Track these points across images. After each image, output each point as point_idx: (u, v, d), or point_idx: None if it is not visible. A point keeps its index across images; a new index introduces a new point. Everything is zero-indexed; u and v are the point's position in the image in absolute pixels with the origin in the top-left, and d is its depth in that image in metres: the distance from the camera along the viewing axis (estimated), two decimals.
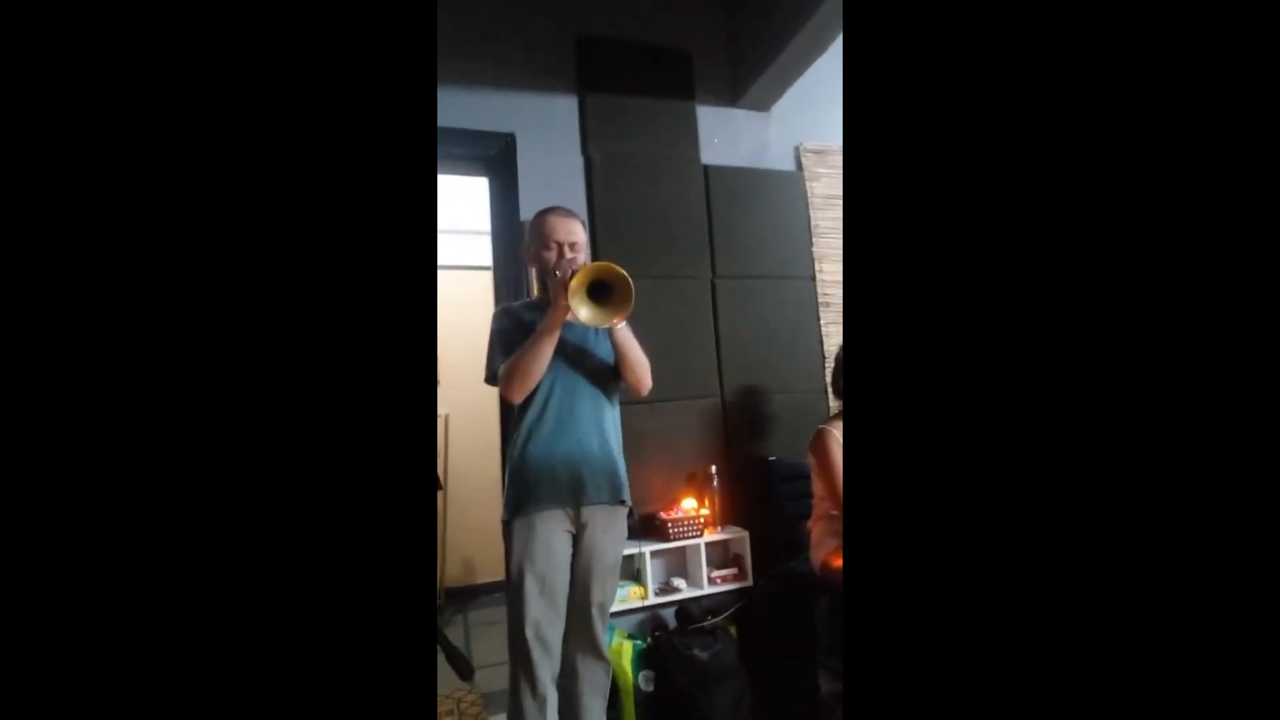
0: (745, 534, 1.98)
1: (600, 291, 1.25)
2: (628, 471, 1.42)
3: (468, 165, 2.06)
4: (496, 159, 2.05)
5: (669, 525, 1.89)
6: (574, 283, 1.21)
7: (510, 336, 1.35)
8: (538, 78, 2.06)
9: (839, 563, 1.63)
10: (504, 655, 1.33)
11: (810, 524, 1.76)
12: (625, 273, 1.23)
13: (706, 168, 2.21)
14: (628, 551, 1.75)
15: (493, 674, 2.02)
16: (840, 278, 2.36)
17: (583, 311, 1.22)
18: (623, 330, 1.33)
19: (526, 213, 1.82)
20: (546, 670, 1.28)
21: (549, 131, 2.05)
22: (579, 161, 2.08)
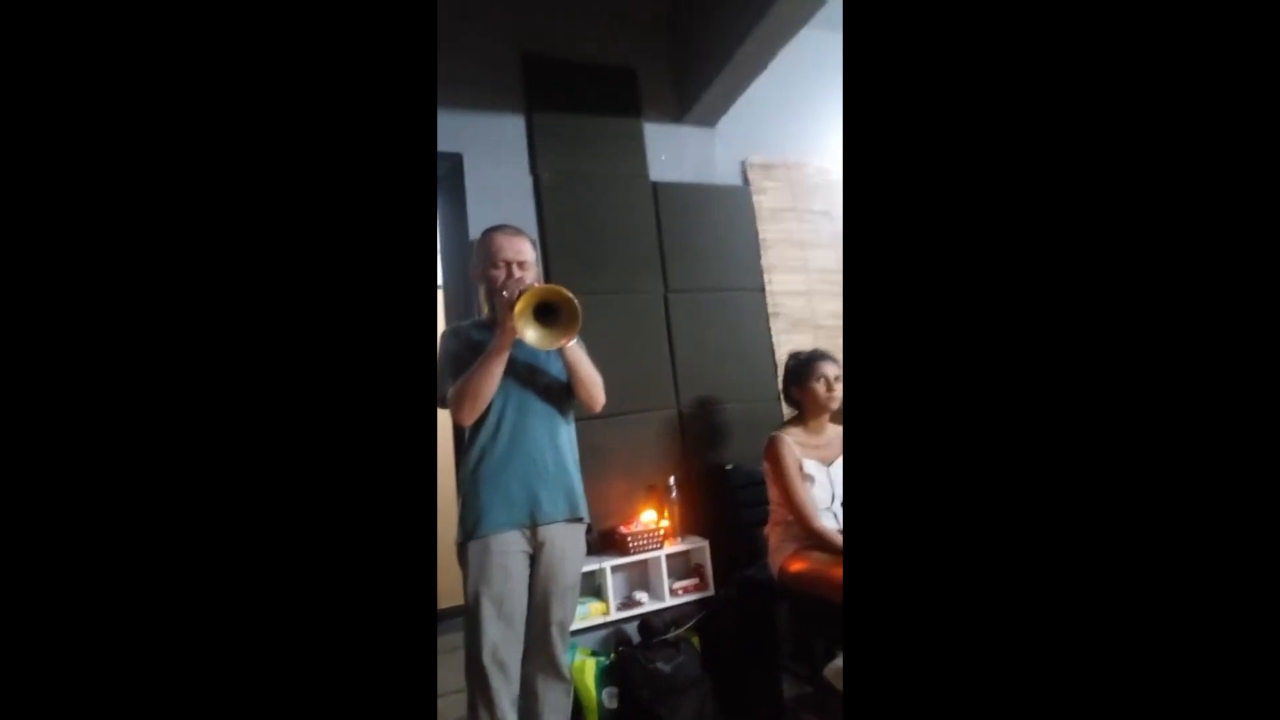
0: (705, 543, 2.00)
1: (547, 313, 1.25)
2: (585, 487, 1.42)
3: None
4: (444, 179, 2.04)
5: (629, 539, 1.89)
6: (519, 306, 1.21)
7: (459, 358, 1.34)
8: (484, 97, 2.07)
9: (796, 567, 1.66)
10: (465, 681, 1.30)
11: (767, 530, 1.79)
12: (571, 295, 1.24)
13: (655, 184, 2.25)
14: (588, 568, 1.74)
15: (454, 701, 1.97)
16: (789, 288, 2.43)
17: (529, 334, 1.22)
18: (573, 348, 1.33)
19: (476, 232, 1.81)
20: (505, 695, 1.26)
21: (497, 151, 2.05)
22: (528, 180, 2.08)
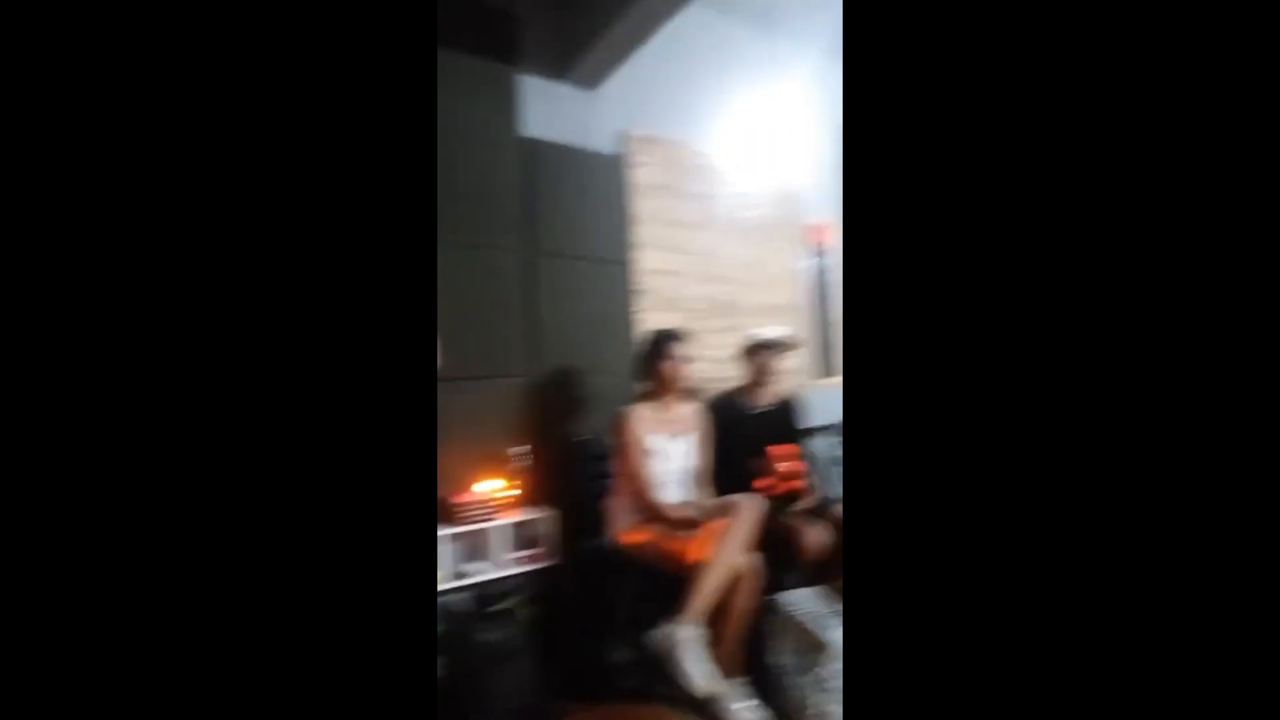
0: (550, 514, 1.97)
1: None
2: None
3: None
4: None
5: (456, 509, 1.82)
6: None
7: None
8: None
9: (633, 538, 1.68)
10: None
11: (610, 502, 1.80)
12: None
13: (525, 139, 2.13)
14: None
15: None
16: (656, 267, 2.43)
17: None
18: None
19: None
20: None
21: None
22: None
